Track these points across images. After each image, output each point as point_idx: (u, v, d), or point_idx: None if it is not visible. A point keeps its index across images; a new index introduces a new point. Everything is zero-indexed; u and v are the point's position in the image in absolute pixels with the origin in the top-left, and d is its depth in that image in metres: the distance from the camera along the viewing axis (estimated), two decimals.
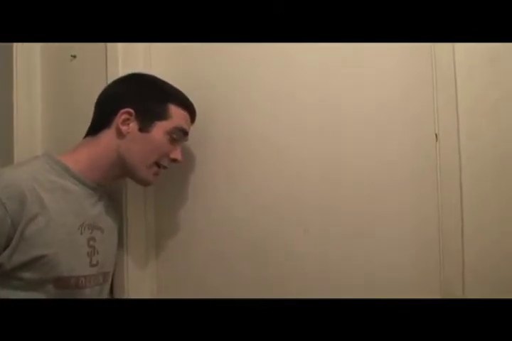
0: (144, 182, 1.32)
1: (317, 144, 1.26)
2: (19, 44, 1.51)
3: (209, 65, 1.40)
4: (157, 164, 1.29)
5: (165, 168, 1.31)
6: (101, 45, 1.42)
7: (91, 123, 1.31)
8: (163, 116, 1.27)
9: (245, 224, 1.33)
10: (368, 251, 1.20)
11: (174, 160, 1.31)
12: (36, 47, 1.55)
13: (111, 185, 1.36)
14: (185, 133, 1.31)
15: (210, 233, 1.38)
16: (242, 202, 1.34)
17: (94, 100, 1.43)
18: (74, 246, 1.21)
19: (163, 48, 1.45)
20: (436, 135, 1.13)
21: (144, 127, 1.26)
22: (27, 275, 1.14)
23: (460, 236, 1.10)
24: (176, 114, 1.28)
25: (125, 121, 1.26)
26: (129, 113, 1.25)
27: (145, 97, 1.28)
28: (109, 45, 1.41)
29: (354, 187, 1.21)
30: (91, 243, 1.26)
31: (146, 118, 1.26)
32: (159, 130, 1.26)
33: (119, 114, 1.25)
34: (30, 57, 1.52)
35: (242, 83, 1.36)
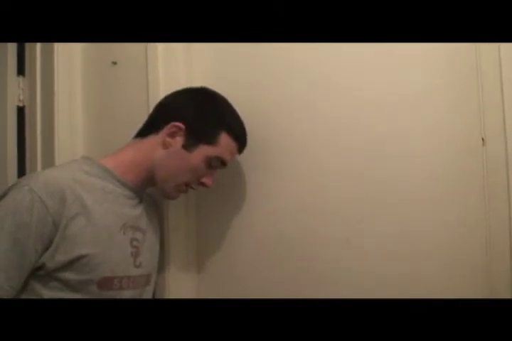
0: (166, 197, 1.33)
1: (359, 151, 1.24)
2: (60, 50, 1.54)
3: (249, 67, 1.39)
4: (186, 185, 1.28)
5: (192, 188, 1.31)
6: (141, 50, 1.44)
7: (144, 125, 1.32)
8: (210, 141, 1.25)
9: (286, 231, 1.32)
10: (412, 261, 1.17)
11: (202, 184, 1.29)
12: (77, 52, 1.57)
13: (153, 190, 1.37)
14: (224, 163, 1.29)
15: (250, 237, 1.37)
16: (282, 209, 1.33)
17: (134, 105, 1.46)
18: (117, 246, 1.22)
19: (203, 52, 1.45)
20: (483, 139, 1.11)
21: (188, 146, 1.25)
22: (69, 275, 1.13)
23: (508, 239, 1.07)
24: (224, 143, 1.26)
25: (173, 133, 1.25)
26: (179, 127, 1.25)
27: (201, 118, 1.27)
28: (149, 50, 1.43)
29: (397, 194, 1.19)
30: (134, 243, 1.26)
31: (194, 138, 1.25)
32: (200, 153, 1.25)
33: (169, 125, 1.25)
34: (71, 62, 1.54)
35: (281, 86, 1.34)
